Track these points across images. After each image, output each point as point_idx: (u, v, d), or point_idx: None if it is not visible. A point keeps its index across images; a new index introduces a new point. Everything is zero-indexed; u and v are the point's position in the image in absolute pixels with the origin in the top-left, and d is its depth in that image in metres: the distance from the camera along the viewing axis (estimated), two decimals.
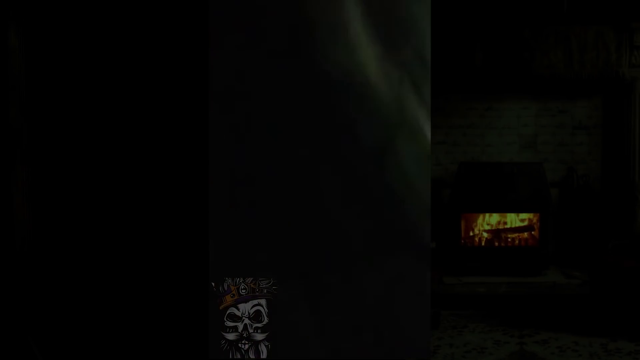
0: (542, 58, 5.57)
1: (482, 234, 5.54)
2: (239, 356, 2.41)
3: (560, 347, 3.94)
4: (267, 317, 2.41)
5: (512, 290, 4.94)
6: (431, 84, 2.53)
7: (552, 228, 5.47)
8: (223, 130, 2.37)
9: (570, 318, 4.49)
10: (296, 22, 2.37)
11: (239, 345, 2.41)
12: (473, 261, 5.37)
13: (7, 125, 3.14)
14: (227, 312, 2.41)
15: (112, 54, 3.28)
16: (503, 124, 5.97)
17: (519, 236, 5.53)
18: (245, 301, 2.40)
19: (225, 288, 2.40)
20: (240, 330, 2.41)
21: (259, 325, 2.41)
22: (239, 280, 2.40)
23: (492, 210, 5.52)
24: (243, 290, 2.40)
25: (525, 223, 5.54)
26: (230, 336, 2.41)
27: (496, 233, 5.52)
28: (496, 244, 5.48)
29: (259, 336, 2.41)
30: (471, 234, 5.53)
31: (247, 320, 2.41)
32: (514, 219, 5.56)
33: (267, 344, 2.41)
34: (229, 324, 2.41)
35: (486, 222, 5.56)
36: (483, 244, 5.50)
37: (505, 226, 5.56)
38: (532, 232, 5.49)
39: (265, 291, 2.40)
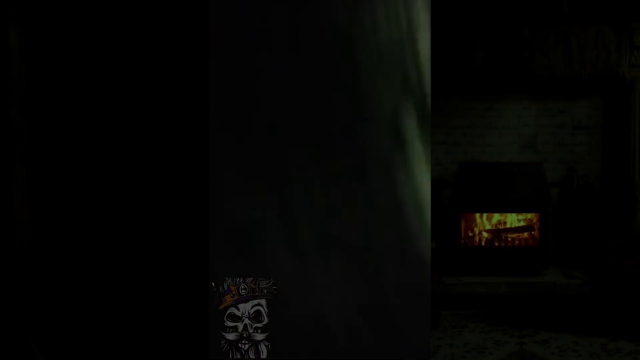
0: (542, 58, 5.58)
1: (482, 234, 5.54)
2: (239, 356, 2.41)
3: (560, 347, 3.94)
4: (267, 317, 2.41)
5: (512, 290, 4.94)
6: (431, 84, 2.53)
7: (552, 228, 5.48)
8: (223, 131, 2.37)
9: (570, 318, 4.49)
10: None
11: (239, 345, 2.41)
12: (473, 261, 5.37)
13: (7, 125, 3.14)
14: (227, 312, 2.41)
15: (112, 54, 3.28)
16: (503, 124, 5.97)
17: (519, 236, 5.53)
18: (245, 301, 2.40)
19: (225, 288, 2.40)
20: (240, 330, 2.41)
21: (259, 325, 2.41)
22: (239, 280, 2.40)
23: (492, 210, 5.52)
24: (243, 290, 2.40)
25: (525, 223, 5.54)
26: (230, 336, 2.41)
27: (496, 233, 5.53)
28: (496, 244, 5.49)
29: (259, 336, 2.41)
30: (471, 234, 5.53)
31: (247, 320, 2.41)
32: (513, 219, 5.56)
33: (267, 344, 2.41)
34: (229, 324, 2.41)
35: (486, 221, 5.56)
36: (483, 244, 5.51)
37: (505, 226, 5.57)
38: (532, 232, 5.49)
39: (265, 291, 2.40)
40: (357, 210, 2.43)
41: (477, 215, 5.53)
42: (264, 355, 2.40)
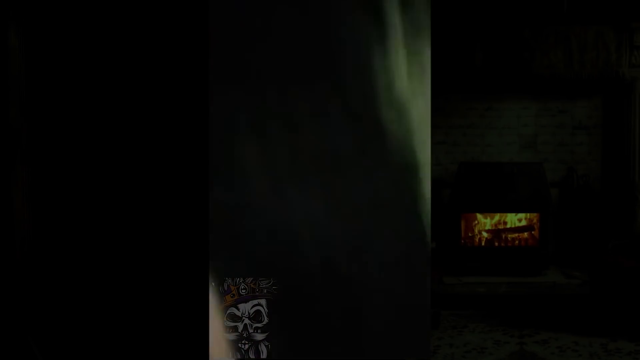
0: (542, 58, 5.57)
1: (482, 234, 5.54)
2: (239, 356, 2.41)
3: (560, 347, 3.94)
4: (267, 317, 2.41)
5: (512, 290, 4.94)
6: (431, 84, 2.53)
7: (552, 228, 5.47)
8: (223, 132, 2.37)
9: (570, 318, 4.49)
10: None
11: (239, 345, 2.41)
12: (473, 261, 5.37)
13: (7, 125, 3.14)
14: (227, 312, 2.41)
15: (112, 53, 3.28)
16: (503, 124, 5.97)
17: (519, 236, 5.53)
18: (245, 301, 2.40)
19: (225, 288, 2.40)
20: (240, 330, 2.41)
21: (259, 325, 2.41)
22: (239, 280, 2.40)
23: (492, 210, 5.52)
24: (243, 290, 2.40)
25: (526, 223, 5.54)
26: (231, 336, 2.41)
27: (496, 233, 5.52)
28: (496, 244, 5.48)
29: (259, 336, 2.41)
30: (471, 234, 5.53)
31: (247, 320, 2.41)
32: (514, 219, 5.56)
33: (267, 344, 2.41)
34: (229, 324, 2.41)
35: (486, 221, 5.56)
36: (483, 244, 5.51)
37: (505, 226, 5.57)
38: (532, 232, 5.49)
39: (265, 291, 2.40)
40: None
41: (477, 215, 5.53)
42: (264, 355, 2.40)
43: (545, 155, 5.91)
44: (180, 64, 3.26)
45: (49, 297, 3.26)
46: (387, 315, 2.43)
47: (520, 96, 5.93)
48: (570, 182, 5.84)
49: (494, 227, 5.55)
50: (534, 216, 5.47)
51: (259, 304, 2.41)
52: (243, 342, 2.40)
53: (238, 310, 2.41)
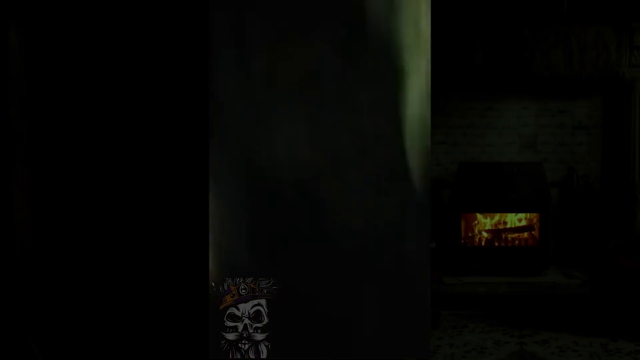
0: (542, 58, 5.57)
1: (482, 234, 5.54)
2: (239, 356, 2.41)
3: (560, 347, 3.94)
4: (267, 317, 2.41)
5: (512, 290, 4.94)
6: (431, 84, 2.53)
7: (552, 228, 5.47)
8: (223, 131, 2.37)
9: (570, 318, 4.49)
10: None
11: (239, 345, 2.41)
12: (473, 261, 5.37)
13: (7, 125, 3.14)
14: (227, 312, 2.41)
15: (112, 53, 3.28)
16: (503, 124, 5.97)
17: (519, 236, 5.53)
18: (245, 301, 2.40)
19: (225, 288, 2.40)
20: (240, 330, 2.41)
21: (259, 325, 2.41)
22: (239, 280, 2.40)
23: (492, 210, 5.52)
24: (243, 290, 2.40)
25: (526, 223, 5.54)
26: (230, 336, 2.41)
27: (496, 233, 5.52)
28: (496, 244, 5.48)
29: (259, 336, 2.41)
30: (471, 234, 5.53)
31: (247, 320, 2.41)
32: (514, 219, 5.56)
33: (267, 344, 2.41)
34: (229, 324, 2.41)
35: (486, 221, 5.56)
36: (483, 244, 5.50)
37: (505, 226, 5.57)
38: (532, 232, 5.49)
39: (265, 291, 2.40)
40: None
41: (477, 215, 5.53)
42: (264, 355, 2.40)
43: (545, 155, 5.91)
44: (180, 64, 3.27)
45: (49, 297, 3.26)
46: (386, 315, 2.43)
47: (520, 96, 5.93)
48: (570, 182, 5.84)
49: (494, 227, 5.55)
50: (534, 216, 5.47)
51: (259, 304, 2.41)
52: (243, 342, 2.40)
53: (238, 310, 2.41)
